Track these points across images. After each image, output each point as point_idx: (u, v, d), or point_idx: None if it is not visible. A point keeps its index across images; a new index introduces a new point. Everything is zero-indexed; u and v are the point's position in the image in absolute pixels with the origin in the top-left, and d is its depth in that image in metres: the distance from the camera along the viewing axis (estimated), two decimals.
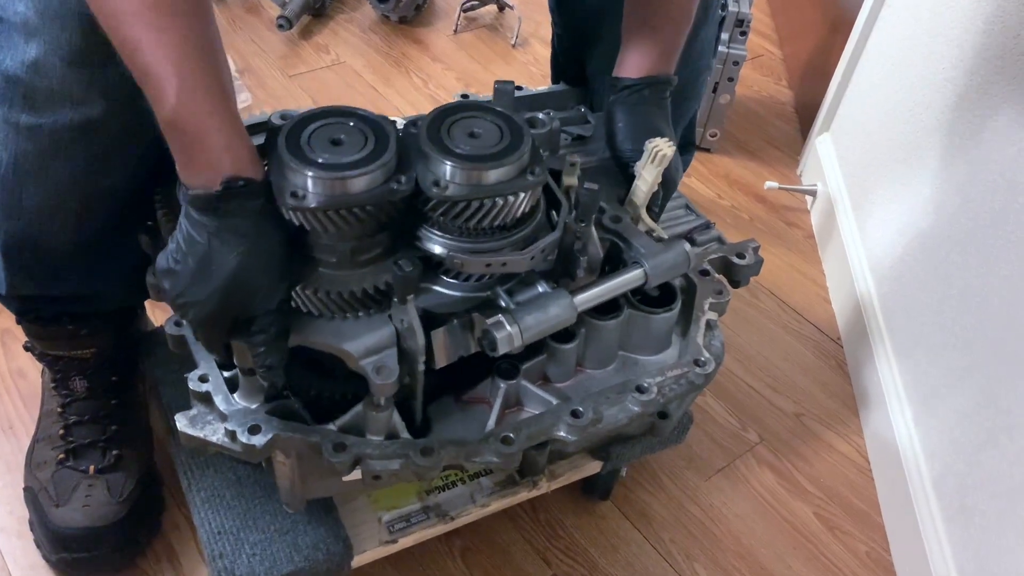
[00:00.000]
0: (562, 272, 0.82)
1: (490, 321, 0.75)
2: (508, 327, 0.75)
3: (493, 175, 0.74)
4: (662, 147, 0.85)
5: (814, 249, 1.56)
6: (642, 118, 0.95)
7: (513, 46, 1.99)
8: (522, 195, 0.76)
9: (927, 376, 1.13)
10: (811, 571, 1.10)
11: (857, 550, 1.13)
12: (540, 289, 0.80)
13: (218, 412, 0.76)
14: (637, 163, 0.90)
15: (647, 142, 0.88)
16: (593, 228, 0.82)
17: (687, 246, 0.84)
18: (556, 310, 0.77)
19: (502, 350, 0.75)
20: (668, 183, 0.92)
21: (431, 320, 0.77)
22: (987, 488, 0.96)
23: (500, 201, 0.75)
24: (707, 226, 0.97)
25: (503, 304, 0.78)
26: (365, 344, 0.75)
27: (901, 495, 1.12)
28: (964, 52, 1.14)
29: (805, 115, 1.80)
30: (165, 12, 0.65)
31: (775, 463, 1.22)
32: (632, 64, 0.95)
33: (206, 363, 0.79)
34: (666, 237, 0.89)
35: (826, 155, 1.59)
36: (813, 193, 1.60)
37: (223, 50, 0.71)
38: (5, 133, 0.81)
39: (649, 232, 0.88)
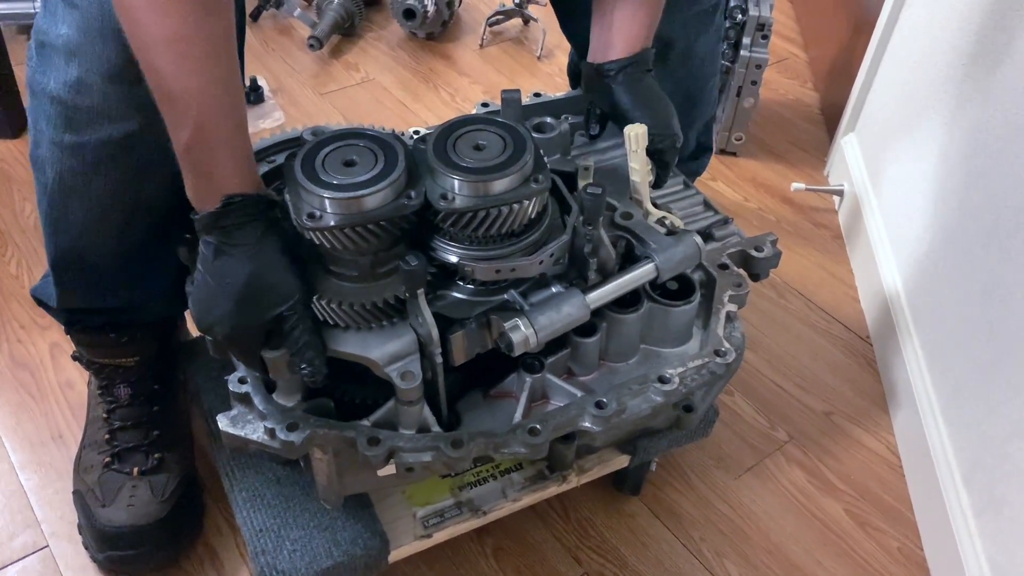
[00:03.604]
0: (576, 275, 0.85)
1: (507, 324, 0.77)
2: (524, 329, 0.77)
3: (498, 185, 0.77)
4: (634, 129, 0.88)
5: (842, 249, 1.56)
6: (651, 93, 0.96)
7: (538, 58, 2.02)
8: (526, 202, 0.78)
9: (954, 370, 1.13)
10: (842, 568, 1.10)
11: (889, 546, 1.13)
12: (554, 290, 0.82)
13: (257, 411, 0.79)
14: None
15: (624, 130, 0.90)
16: (602, 230, 0.84)
17: (697, 238, 0.86)
18: (569, 309, 0.80)
19: (518, 351, 0.78)
20: (667, 152, 0.94)
21: (449, 323, 0.80)
22: (1016, 479, 0.96)
23: (506, 209, 0.77)
24: (725, 221, 0.98)
25: (518, 306, 0.80)
26: (389, 352, 0.78)
27: (932, 490, 1.12)
28: (984, 48, 1.15)
29: (831, 116, 1.81)
30: (191, 45, 0.69)
31: (805, 461, 1.22)
32: (620, 45, 0.96)
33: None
34: (681, 224, 0.90)
35: (852, 155, 1.59)
36: (840, 193, 1.61)
37: (240, 76, 0.75)
38: (51, 152, 0.86)
39: (662, 221, 0.89)
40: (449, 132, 0.82)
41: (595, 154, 0.97)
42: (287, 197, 0.77)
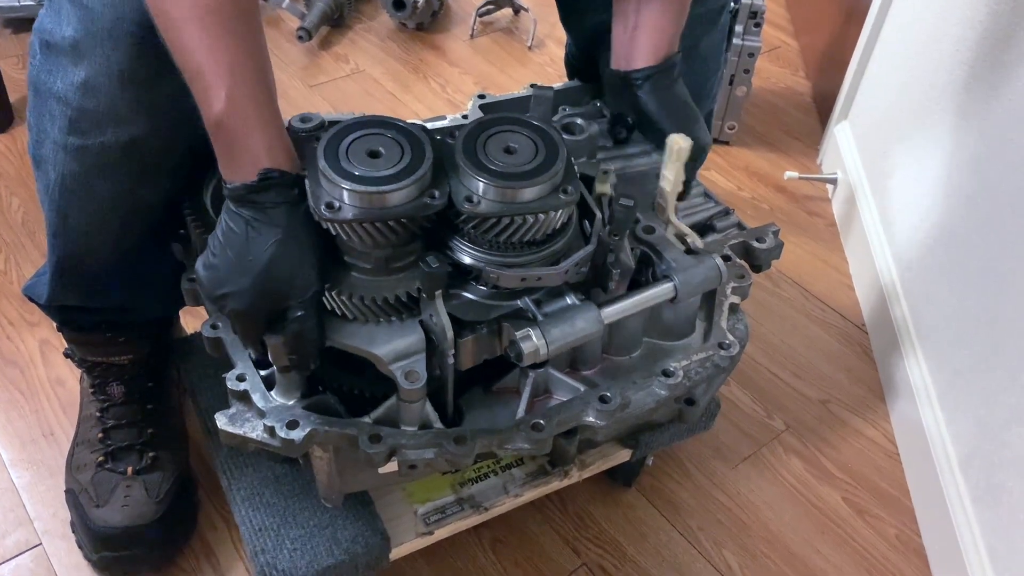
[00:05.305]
0: (593, 283, 0.83)
1: (519, 334, 0.76)
2: (535, 340, 0.75)
3: (525, 193, 0.75)
4: (679, 142, 0.85)
5: (836, 237, 1.56)
6: (679, 101, 0.95)
7: (529, 48, 2.01)
8: (553, 213, 0.76)
9: (951, 358, 1.13)
10: (840, 555, 1.11)
11: (887, 534, 1.13)
12: (568, 301, 0.80)
13: (256, 409, 0.78)
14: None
15: (667, 139, 0.87)
16: (626, 240, 0.82)
17: (719, 260, 0.84)
18: (583, 323, 0.78)
19: (528, 362, 0.76)
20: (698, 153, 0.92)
21: (460, 326, 0.78)
22: (1014, 467, 0.96)
23: (531, 218, 0.75)
24: (726, 212, 0.98)
25: (531, 315, 0.79)
26: (395, 349, 0.77)
27: (929, 477, 1.12)
28: (976, 33, 1.15)
29: (823, 104, 1.81)
30: (220, 17, 0.68)
31: (802, 450, 1.22)
32: (646, 51, 0.94)
33: (243, 363, 0.81)
34: (700, 243, 0.89)
35: (845, 143, 1.59)
36: (833, 181, 1.61)
37: (268, 53, 0.74)
38: (54, 153, 0.84)
39: (682, 237, 0.88)
40: (481, 129, 0.79)
41: (621, 159, 0.95)
42: (306, 182, 0.75)
